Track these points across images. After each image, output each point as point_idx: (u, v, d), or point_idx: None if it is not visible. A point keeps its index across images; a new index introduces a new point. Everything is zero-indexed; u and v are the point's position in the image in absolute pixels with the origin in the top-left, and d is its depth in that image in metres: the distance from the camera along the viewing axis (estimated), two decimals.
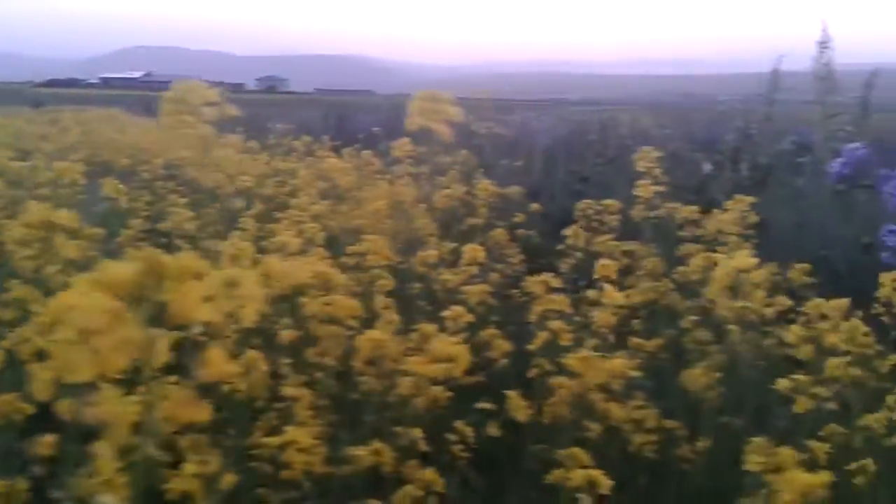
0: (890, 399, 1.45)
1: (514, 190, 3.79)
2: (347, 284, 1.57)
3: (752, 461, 1.03)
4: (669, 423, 1.73)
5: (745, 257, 1.10)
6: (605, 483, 1.15)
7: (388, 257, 1.92)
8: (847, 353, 1.43)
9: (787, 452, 1.01)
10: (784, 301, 1.71)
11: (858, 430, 1.55)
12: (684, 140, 4.93)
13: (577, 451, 1.21)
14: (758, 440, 1.06)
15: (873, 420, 1.50)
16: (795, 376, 1.31)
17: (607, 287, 1.62)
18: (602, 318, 1.96)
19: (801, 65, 4.06)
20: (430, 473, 1.27)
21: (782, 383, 1.24)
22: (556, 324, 1.48)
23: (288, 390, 1.28)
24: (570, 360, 1.25)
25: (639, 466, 1.73)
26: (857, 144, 2.93)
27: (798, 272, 2.13)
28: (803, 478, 0.92)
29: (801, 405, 1.23)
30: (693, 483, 1.74)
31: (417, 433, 1.31)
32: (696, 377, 1.76)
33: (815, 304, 1.53)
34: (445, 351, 1.25)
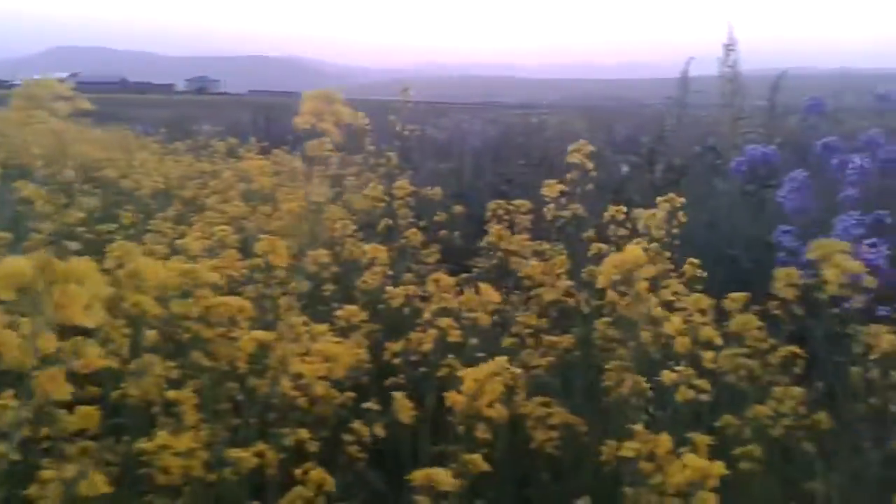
0: (777, 390, 1.50)
1: (436, 191, 3.79)
2: (220, 283, 1.53)
3: (627, 448, 1.05)
4: (575, 420, 1.74)
5: (635, 250, 1.11)
6: (447, 482, 1.15)
7: (285, 258, 1.89)
8: (722, 347, 1.48)
9: (664, 440, 1.02)
10: (674, 295, 1.74)
11: (749, 420, 1.59)
12: (606, 142, 5.01)
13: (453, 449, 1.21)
14: (638, 428, 1.08)
15: (762, 410, 1.55)
16: (678, 368, 1.33)
17: (483, 285, 1.63)
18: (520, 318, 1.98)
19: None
20: (317, 474, 1.25)
21: (666, 375, 1.26)
22: (444, 321, 1.48)
23: (171, 394, 1.25)
24: (467, 378, 1.24)
25: (542, 463, 1.74)
26: (756, 145, 3.02)
27: (691, 267, 2.18)
28: (695, 463, 0.94)
29: (682, 395, 1.26)
30: (601, 477, 1.76)
31: (304, 434, 1.29)
32: (610, 375, 1.79)
33: (695, 300, 1.57)
34: (328, 351, 1.24)
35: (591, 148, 2.39)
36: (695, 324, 1.47)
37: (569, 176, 2.43)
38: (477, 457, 1.21)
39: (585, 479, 1.69)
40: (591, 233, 2.46)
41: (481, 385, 1.20)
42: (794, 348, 1.60)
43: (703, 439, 1.44)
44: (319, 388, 1.26)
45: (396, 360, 1.74)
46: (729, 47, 3.83)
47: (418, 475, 1.21)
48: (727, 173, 3.32)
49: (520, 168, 5.46)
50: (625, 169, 4.20)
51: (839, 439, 1.66)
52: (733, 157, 3.10)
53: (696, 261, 2.32)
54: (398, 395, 1.44)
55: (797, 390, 1.48)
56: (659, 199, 2.06)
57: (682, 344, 1.12)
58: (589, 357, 1.93)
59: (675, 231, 2.09)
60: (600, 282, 1.11)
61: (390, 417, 1.77)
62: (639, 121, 6.16)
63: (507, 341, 1.90)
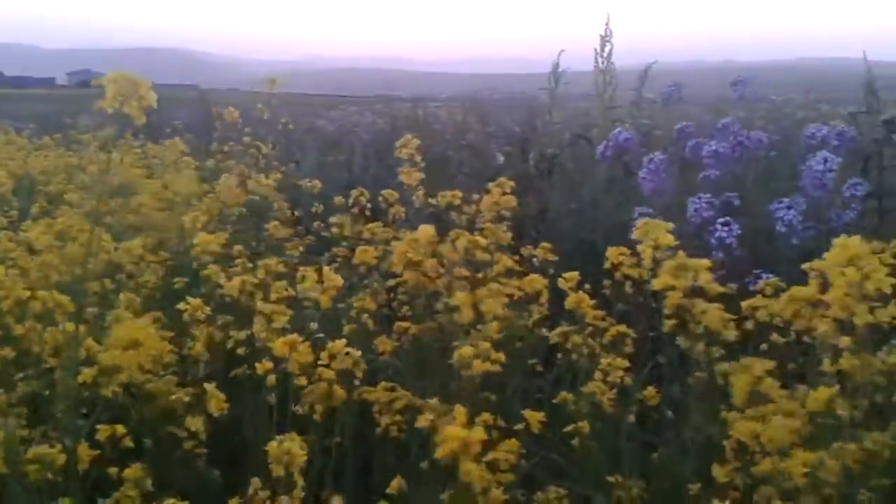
0: (603, 363, 1.54)
1: (314, 184, 3.75)
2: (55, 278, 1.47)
3: (422, 420, 1.06)
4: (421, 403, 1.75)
5: (426, 229, 1.11)
6: (298, 453, 1.14)
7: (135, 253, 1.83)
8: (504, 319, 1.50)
9: (458, 411, 1.04)
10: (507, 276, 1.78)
11: (584, 396, 1.64)
12: (486, 133, 5.07)
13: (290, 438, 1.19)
14: (432, 402, 1.09)
15: (595, 387, 1.59)
16: (474, 342, 1.35)
17: (326, 269, 1.62)
18: (362, 303, 1.98)
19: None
20: (134, 471, 1.21)
21: (463, 350, 1.27)
22: (269, 307, 1.45)
23: None
24: (276, 343, 1.23)
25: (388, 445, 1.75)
26: (619, 130, 3.12)
27: (543, 250, 2.23)
28: (457, 433, 0.95)
29: (477, 368, 1.26)
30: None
31: (121, 429, 1.25)
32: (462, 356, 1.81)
33: (531, 280, 1.60)
34: (130, 336, 1.20)
35: (417, 142, 2.41)
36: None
37: (402, 169, 2.44)
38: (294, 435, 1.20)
39: (432, 462, 1.71)
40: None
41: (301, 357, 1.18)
42: (622, 327, 1.66)
43: (534, 415, 1.47)
44: (123, 377, 1.22)
45: (240, 351, 1.71)
46: (605, 38, 3.93)
47: (271, 447, 1.19)
48: (596, 160, 3.40)
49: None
50: (500, 158, 4.26)
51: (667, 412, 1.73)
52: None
53: (548, 244, 2.38)
54: (209, 386, 1.41)
55: (622, 362, 1.53)
56: (490, 183, 2.10)
57: (466, 314, 1.13)
58: (440, 340, 1.94)
59: (506, 213, 2.13)
60: (395, 264, 1.11)
61: (238, 410, 1.74)
62: (521, 113, 6.26)
63: (347, 327, 1.90)
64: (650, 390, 1.61)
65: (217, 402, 1.37)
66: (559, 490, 1.41)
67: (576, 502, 1.44)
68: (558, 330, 1.65)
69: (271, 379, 1.30)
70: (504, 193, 2.11)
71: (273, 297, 1.55)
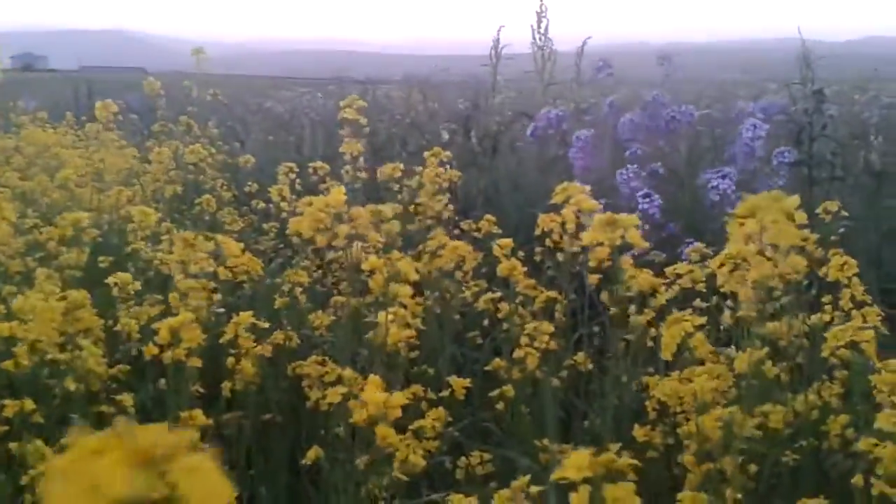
0: (528, 327, 1.54)
1: (247, 159, 3.69)
2: None
3: (333, 394, 1.05)
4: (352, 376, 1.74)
5: (337, 194, 1.10)
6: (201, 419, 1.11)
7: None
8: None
9: (372, 380, 1.03)
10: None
11: (517, 362, 1.64)
12: (434, 111, 5.04)
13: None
14: (346, 371, 1.08)
15: (525, 354, 1.59)
16: (392, 309, 1.33)
17: (223, 238, 1.59)
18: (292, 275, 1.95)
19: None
20: (36, 447, 1.17)
21: (379, 317, 1.26)
22: (186, 283, 1.41)
23: None
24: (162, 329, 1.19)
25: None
26: (549, 108, 3.12)
27: (487, 223, 2.24)
28: (375, 397, 0.94)
29: (394, 337, 1.25)
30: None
31: (29, 405, 1.21)
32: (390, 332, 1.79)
33: (455, 246, 1.59)
34: (30, 307, 1.16)
35: (362, 103, 2.37)
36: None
37: (342, 132, 2.41)
38: (197, 412, 1.18)
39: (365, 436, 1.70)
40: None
41: (175, 334, 1.16)
42: (554, 293, 1.66)
43: (458, 382, 1.47)
44: (23, 350, 1.18)
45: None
46: (540, 14, 3.93)
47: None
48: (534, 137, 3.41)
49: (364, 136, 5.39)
50: (445, 135, 4.24)
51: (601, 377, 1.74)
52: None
53: (492, 217, 2.39)
54: (86, 343, 1.37)
55: (548, 327, 1.53)
56: (427, 153, 2.08)
57: (378, 280, 1.12)
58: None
59: (445, 184, 2.12)
60: (304, 230, 1.09)
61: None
62: (469, 92, 6.24)
63: (280, 301, 1.87)
64: (580, 355, 1.62)
65: (96, 359, 1.32)
66: (483, 455, 1.41)
67: (503, 467, 1.44)
68: (485, 296, 1.64)
69: (195, 361, 1.26)
70: (442, 164, 2.10)
71: (192, 270, 1.51)
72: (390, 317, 1.14)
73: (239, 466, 1.60)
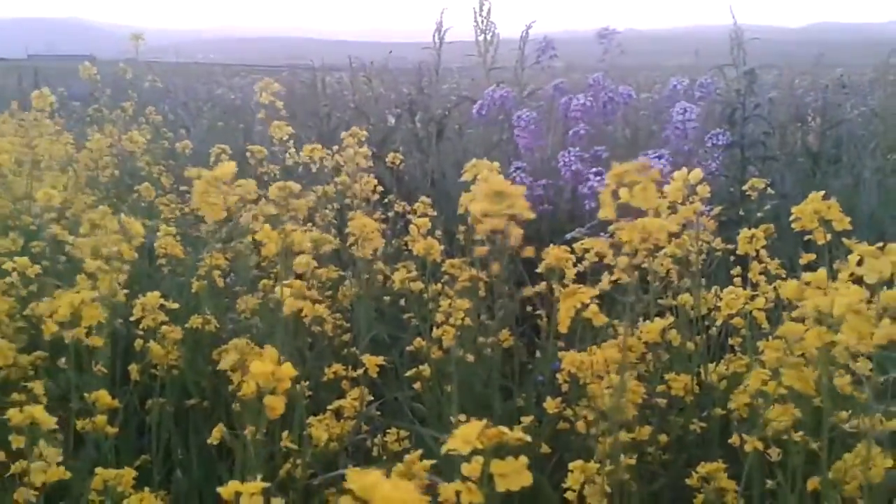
0: (444, 303, 1.54)
1: (184, 144, 3.63)
2: None
3: (226, 361, 1.03)
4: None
5: (226, 167, 1.07)
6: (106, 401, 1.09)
7: None
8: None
9: (269, 351, 1.01)
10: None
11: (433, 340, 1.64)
12: (378, 96, 4.99)
13: None
14: (237, 342, 1.07)
15: (442, 332, 1.59)
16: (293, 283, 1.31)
17: (126, 217, 1.56)
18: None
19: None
20: None
21: (279, 291, 1.23)
22: (94, 264, 1.37)
23: None
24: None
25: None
26: (494, 88, 3.12)
27: (423, 205, 2.23)
28: (263, 367, 0.92)
29: (288, 307, 1.23)
30: None
31: None
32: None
33: (358, 221, 1.57)
34: None
35: (277, 86, 2.34)
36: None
37: (259, 115, 2.37)
38: (103, 392, 1.15)
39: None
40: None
41: (76, 311, 1.13)
42: (476, 272, 1.66)
43: (371, 360, 1.47)
44: None
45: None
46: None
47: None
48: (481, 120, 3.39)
49: (311, 122, 5.30)
50: (391, 120, 4.22)
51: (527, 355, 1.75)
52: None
53: (427, 199, 2.38)
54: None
55: (463, 304, 1.53)
56: (344, 133, 2.06)
57: (270, 249, 1.10)
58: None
59: (367, 164, 2.10)
60: (195, 202, 1.07)
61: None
62: (414, 77, 6.23)
63: (196, 285, 1.85)
64: (503, 333, 1.62)
65: None
66: (399, 432, 1.40)
67: (420, 444, 1.44)
68: (400, 275, 1.64)
69: (96, 340, 1.23)
70: (360, 143, 2.08)
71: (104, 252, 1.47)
72: (287, 291, 1.12)
73: (159, 452, 1.58)
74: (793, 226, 1.21)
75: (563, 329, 1.02)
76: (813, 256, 1.33)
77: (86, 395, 1.20)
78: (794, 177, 3.13)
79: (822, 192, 1.17)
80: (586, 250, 1.61)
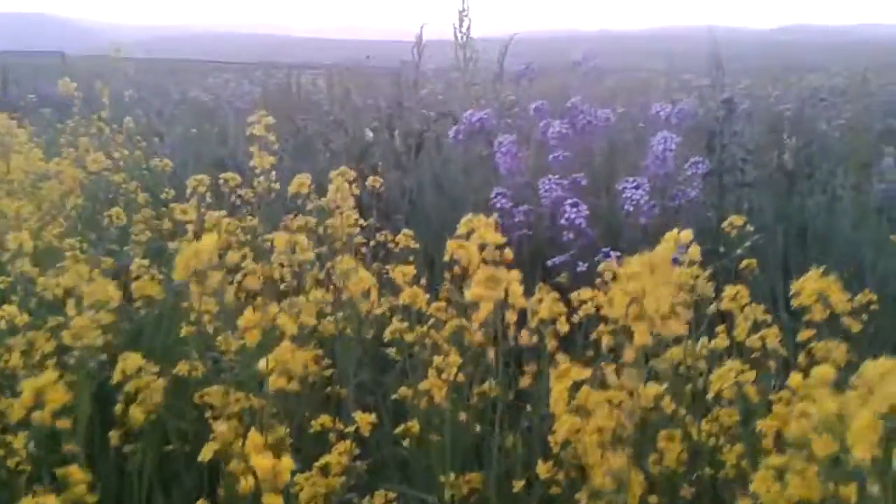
0: (437, 359, 1.53)
1: (165, 163, 3.56)
2: None
3: (207, 450, 1.02)
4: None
5: (209, 239, 1.05)
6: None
7: None
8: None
9: (254, 435, 0.99)
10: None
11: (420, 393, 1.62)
12: (357, 108, 4.94)
13: None
14: (221, 426, 1.05)
15: (431, 386, 1.57)
16: None
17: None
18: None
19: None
20: None
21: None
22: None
23: None
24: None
25: None
26: (472, 111, 3.11)
27: (405, 238, 2.22)
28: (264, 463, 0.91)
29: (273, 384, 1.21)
30: None
31: None
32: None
33: (356, 278, 1.56)
34: None
35: (270, 120, 2.31)
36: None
37: (252, 148, 2.34)
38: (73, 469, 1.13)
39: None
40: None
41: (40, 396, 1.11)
42: (462, 320, 1.65)
43: (364, 417, 1.45)
44: None
45: None
46: (462, 13, 3.89)
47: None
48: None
49: (290, 131, 5.21)
50: (369, 135, 4.18)
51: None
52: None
53: (409, 231, 2.37)
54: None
55: (456, 358, 1.51)
56: (333, 172, 2.04)
57: (252, 337, 1.08)
58: None
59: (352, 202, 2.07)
60: (177, 274, 1.05)
61: None
62: (391, 87, 6.18)
63: (185, 329, 1.82)
64: (486, 385, 1.61)
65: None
66: (388, 494, 1.39)
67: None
68: (391, 327, 1.62)
69: (64, 423, 1.19)
70: (349, 182, 2.05)
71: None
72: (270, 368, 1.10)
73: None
74: (791, 303, 1.21)
75: (557, 411, 1.02)
76: (812, 333, 1.32)
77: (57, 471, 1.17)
78: (771, 203, 3.13)
79: (822, 268, 1.18)
80: (582, 302, 1.61)
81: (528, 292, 1.41)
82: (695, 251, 1.30)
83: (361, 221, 2.21)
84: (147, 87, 10.50)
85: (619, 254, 2.54)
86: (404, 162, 3.71)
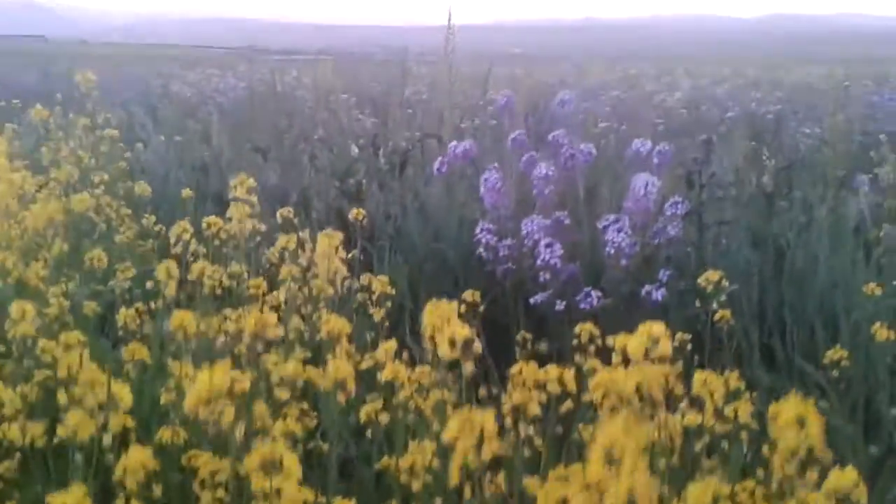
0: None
1: (142, 188, 3.53)
2: None
3: None
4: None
5: (219, 372, 1.08)
6: None
7: None
8: None
9: None
10: None
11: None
12: (343, 129, 4.93)
13: None
14: None
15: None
16: None
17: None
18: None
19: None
20: None
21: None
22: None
23: None
24: None
25: None
26: (455, 143, 3.13)
27: (380, 284, 2.23)
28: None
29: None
30: None
31: None
32: None
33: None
34: None
35: (252, 183, 2.33)
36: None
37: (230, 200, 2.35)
38: None
39: None
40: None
41: None
42: (444, 392, 1.68)
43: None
44: None
45: None
46: (450, 32, 3.91)
47: None
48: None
49: (274, 135, 5.19)
50: (355, 151, 4.20)
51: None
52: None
53: (385, 278, 2.38)
54: None
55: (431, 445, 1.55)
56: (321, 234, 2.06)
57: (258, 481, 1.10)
58: None
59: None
60: (189, 406, 1.08)
61: None
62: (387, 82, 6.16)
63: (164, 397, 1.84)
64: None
65: None
66: None
67: None
68: (367, 407, 1.65)
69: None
70: (334, 246, 2.08)
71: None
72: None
73: None
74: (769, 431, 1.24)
75: None
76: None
77: None
78: (748, 237, 3.15)
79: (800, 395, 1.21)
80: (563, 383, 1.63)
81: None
82: (665, 346, 1.34)
83: (345, 273, 2.23)
84: (126, 80, 10.38)
85: (599, 294, 2.59)
86: (388, 182, 3.72)
